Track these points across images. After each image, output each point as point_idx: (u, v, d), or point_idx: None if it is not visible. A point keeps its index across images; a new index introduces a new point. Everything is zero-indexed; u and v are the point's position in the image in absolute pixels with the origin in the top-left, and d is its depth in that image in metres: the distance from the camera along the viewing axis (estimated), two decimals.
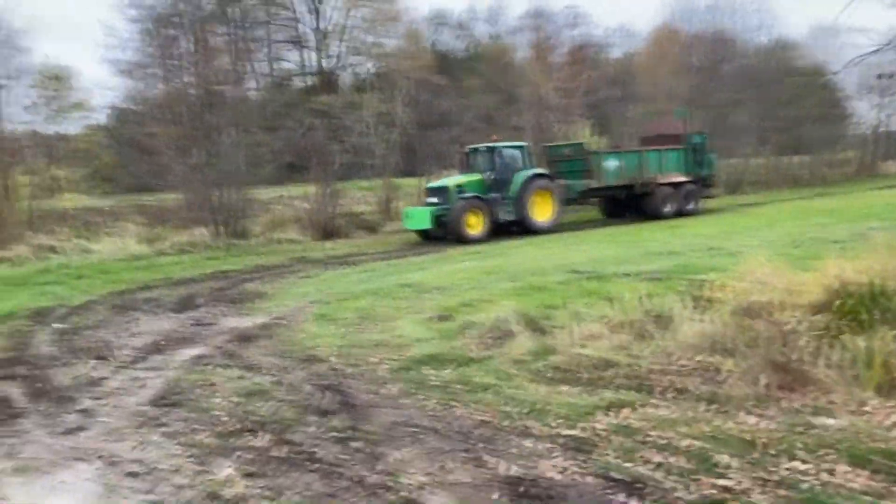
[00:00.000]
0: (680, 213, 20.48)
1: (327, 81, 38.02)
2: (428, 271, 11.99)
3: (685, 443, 4.01)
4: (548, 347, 5.93)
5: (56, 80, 26.36)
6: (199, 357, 6.63)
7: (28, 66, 20.92)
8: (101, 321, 8.81)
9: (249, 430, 4.43)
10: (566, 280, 9.80)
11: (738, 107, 32.29)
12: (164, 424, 4.64)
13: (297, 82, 39.49)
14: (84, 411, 5.03)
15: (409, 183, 23.19)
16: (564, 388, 5.15)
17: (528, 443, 4.18)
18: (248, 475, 3.79)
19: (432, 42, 41.42)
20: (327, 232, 18.54)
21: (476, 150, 18.62)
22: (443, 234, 17.12)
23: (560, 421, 4.50)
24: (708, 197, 22.45)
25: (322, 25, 37.10)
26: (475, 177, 17.81)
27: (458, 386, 5.38)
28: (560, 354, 5.70)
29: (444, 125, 25.94)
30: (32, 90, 22.78)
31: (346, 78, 39.26)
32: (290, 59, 39.97)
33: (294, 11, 37.22)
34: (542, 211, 18.13)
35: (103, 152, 26.08)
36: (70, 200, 19.01)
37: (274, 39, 38.37)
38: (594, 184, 19.40)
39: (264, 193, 21.20)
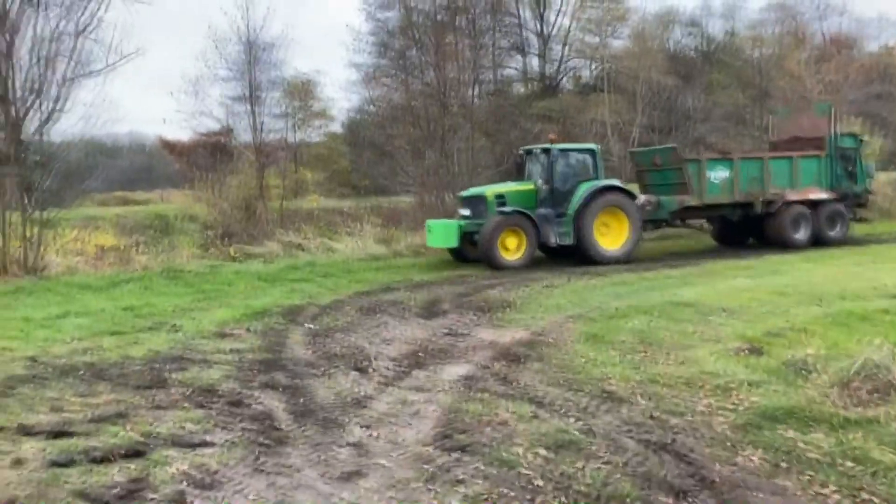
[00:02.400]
0: (819, 242, 15.38)
1: (549, 86, 37.08)
2: (697, 287, 10.24)
3: None
4: None
5: (303, 91, 28.24)
6: (469, 378, 5.58)
7: (280, 78, 22.37)
8: (350, 323, 8.30)
9: None
10: (893, 308, 7.62)
11: None
12: (460, 482, 3.49)
13: (518, 87, 39.12)
14: (356, 445, 4.10)
15: None
16: None
17: None
18: None
19: (662, 41, 38.73)
20: None
21: (531, 152, 14.65)
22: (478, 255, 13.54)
23: None
24: (860, 220, 16.89)
25: (546, 30, 36.40)
26: (525, 186, 14.03)
27: (851, 463, 3.69)
28: None
29: (685, 126, 23.55)
30: (283, 100, 24.39)
31: (566, 83, 38.12)
32: (513, 65, 39.77)
33: (519, 18, 36.91)
34: (611, 236, 13.91)
35: (341, 158, 27.41)
36: (314, 201, 19.87)
37: (498, 46, 38.37)
38: (691, 201, 14.84)
39: None
